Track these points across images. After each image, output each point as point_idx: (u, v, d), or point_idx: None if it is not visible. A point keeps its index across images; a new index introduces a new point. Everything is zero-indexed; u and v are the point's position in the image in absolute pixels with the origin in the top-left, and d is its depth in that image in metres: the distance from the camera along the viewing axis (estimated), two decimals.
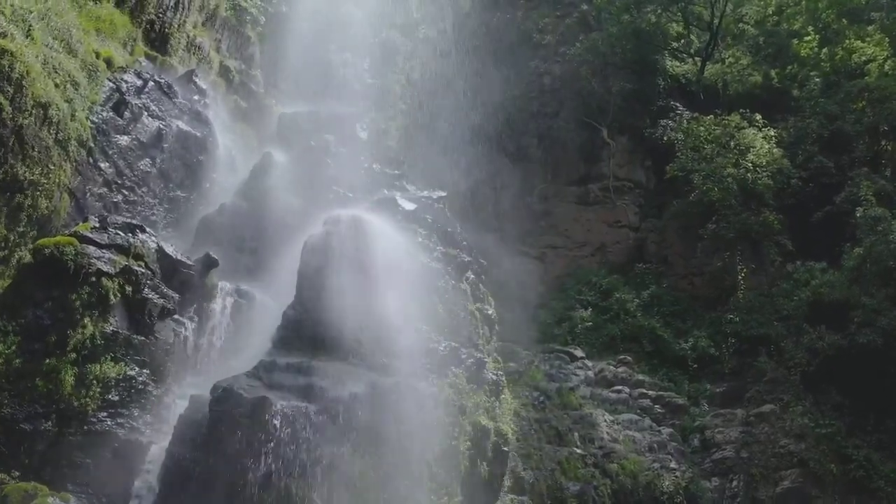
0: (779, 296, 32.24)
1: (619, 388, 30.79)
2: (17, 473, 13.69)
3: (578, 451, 25.75)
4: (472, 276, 20.77)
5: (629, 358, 32.82)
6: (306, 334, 15.74)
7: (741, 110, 36.29)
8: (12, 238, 16.13)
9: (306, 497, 13.46)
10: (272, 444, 13.66)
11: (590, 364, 32.58)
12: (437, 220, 20.32)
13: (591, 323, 34.97)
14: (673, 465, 26.85)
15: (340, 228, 16.98)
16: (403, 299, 17.23)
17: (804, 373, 28.20)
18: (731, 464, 26.56)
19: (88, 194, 18.25)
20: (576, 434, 26.74)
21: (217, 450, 13.69)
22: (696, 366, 31.82)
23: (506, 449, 19.01)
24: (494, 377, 19.85)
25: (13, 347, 14.43)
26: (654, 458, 26.97)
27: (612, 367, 32.20)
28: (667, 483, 25.82)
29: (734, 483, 26.07)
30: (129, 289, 15.89)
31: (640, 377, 31.58)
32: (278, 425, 13.71)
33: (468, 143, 40.20)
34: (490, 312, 21.51)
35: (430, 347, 17.53)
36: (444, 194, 22.43)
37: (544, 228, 40.95)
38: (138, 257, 16.39)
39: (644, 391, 30.54)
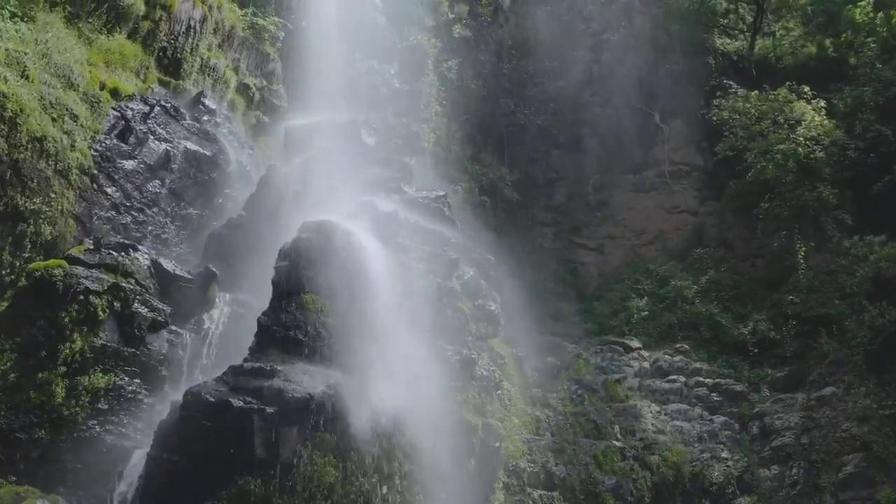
0: (840, 273, 30.68)
1: (673, 377, 30.08)
2: (14, 478, 14.99)
3: (617, 443, 25.35)
4: (472, 273, 20.73)
5: (686, 346, 32.07)
6: (278, 339, 16.23)
7: (790, 83, 34.63)
8: (18, 264, 17.50)
9: (267, 496, 13.93)
10: (233, 444, 14.25)
11: (646, 354, 31.99)
12: (423, 220, 20.38)
13: (647, 312, 34.36)
14: (724, 454, 26.12)
15: (309, 235, 17.39)
16: (378, 301, 17.47)
17: (867, 352, 26.74)
18: (790, 450, 25.64)
19: (95, 218, 19.43)
20: (616, 427, 26.31)
21: (186, 451, 14.40)
22: (756, 351, 30.72)
23: (497, 444, 18.89)
24: (486, 373, 19.71)
25: (9, 364, 15.77)
26: (704, 448, 26.28)
27: (668, 356, 31.51)
28: (716, 473, 25.16)
29: (794, 470, 25.19)
30: (117, 304, 16.95)
31: (698, 365, 30.74)
32: (237, 427, 14.28)
33: (515, 139, 40.08)
34: (493, 308, 21.40)
35: (408, 347, 17.67)
36: (442, 193, 22.48)
37: (601, 219, 40.34)
38: (128, 274, 17.45)
39: (700, 379, 29.71)
